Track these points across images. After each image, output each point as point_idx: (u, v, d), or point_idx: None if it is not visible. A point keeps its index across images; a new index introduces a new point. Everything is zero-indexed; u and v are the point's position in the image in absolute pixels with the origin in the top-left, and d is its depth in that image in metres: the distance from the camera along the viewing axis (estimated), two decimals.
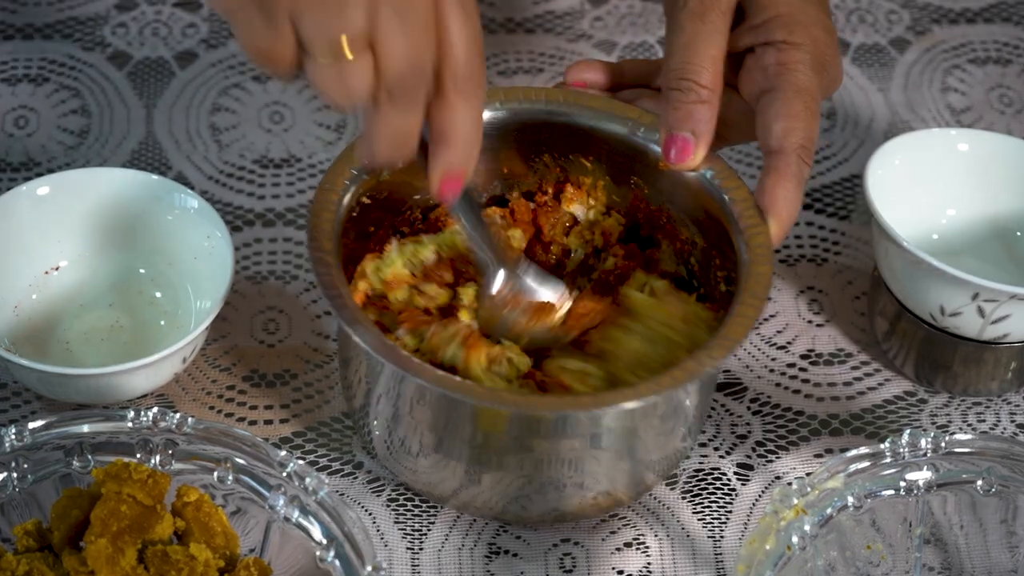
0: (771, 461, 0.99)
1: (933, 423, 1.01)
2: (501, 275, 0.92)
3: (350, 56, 0.77)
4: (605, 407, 0.85)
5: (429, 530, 0.94)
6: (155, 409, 0.87)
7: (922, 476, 0.88)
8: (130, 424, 0.87)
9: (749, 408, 1.01)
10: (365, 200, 0.93)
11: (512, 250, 0.96)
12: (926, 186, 1.05)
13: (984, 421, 1.01)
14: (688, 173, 0.94)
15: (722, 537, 0.95)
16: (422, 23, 0.78)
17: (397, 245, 0.95)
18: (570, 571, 0.93)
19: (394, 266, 0.94)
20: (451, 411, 0.87)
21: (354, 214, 0.92)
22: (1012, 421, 1.01)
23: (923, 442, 0.88)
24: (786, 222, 0.91)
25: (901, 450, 0.88)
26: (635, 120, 0.96)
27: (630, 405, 0.84)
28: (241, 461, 0.87)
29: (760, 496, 0.97)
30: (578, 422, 0.87)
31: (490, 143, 0.94)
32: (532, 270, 0.93)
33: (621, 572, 0.93)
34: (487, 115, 0.94)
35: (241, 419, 0.99)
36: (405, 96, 0.79)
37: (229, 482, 0.87)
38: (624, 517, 0.95)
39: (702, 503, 0.96)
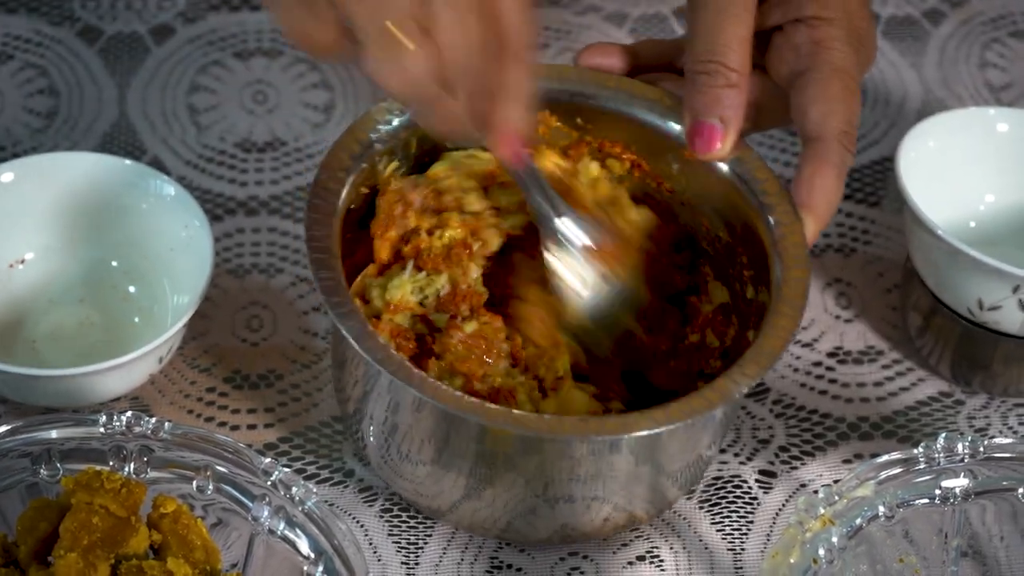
0: (796, 468, 0.99)
1: (971, 426, 1.01)
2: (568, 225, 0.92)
3: (410, 45, 0.79)
4: (630, 433, 0.84)
5: (426, 543, 0.94)
6: (129, 413, 0.87)
7: (959, 483, 0.88)
8: (102, 429, 0.87)
9: (772, 411, 1.01)
10: (363, 189, 0.93)
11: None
12: (963, 170, 1.05)
13: None
14: (715, 164, 0.94)
15: (743, 550, 0.95)
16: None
17: (411, 271, 0.94)
18: None
19: (402, 289, 0.93)
20: (454, 422, 0.87)
21: (352, 206, 0.92)
22: None
23: (960, 447, 0.88)
24: (824, 219, 0.91)
25: (936, 455, 0.88)
26: (656, 101, 0.95)
27: (657, 431, 0.84)
28: (222, 469, 0.87)
29: (784, 505, 0.97)
30: (596, 450, 0.86)
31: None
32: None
33: None
34: None
35: (222, 424, 0.99)
36: (468, 80, 0.81)
37: (209, 492, 0.87)
38: (637, 528, 0.95)
39: (721, 513, 0.96)
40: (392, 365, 0.84)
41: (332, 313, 0.85)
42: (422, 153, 0.95)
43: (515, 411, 0.85)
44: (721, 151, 0.92)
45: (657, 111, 0.95)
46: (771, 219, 0.91)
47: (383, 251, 0.94)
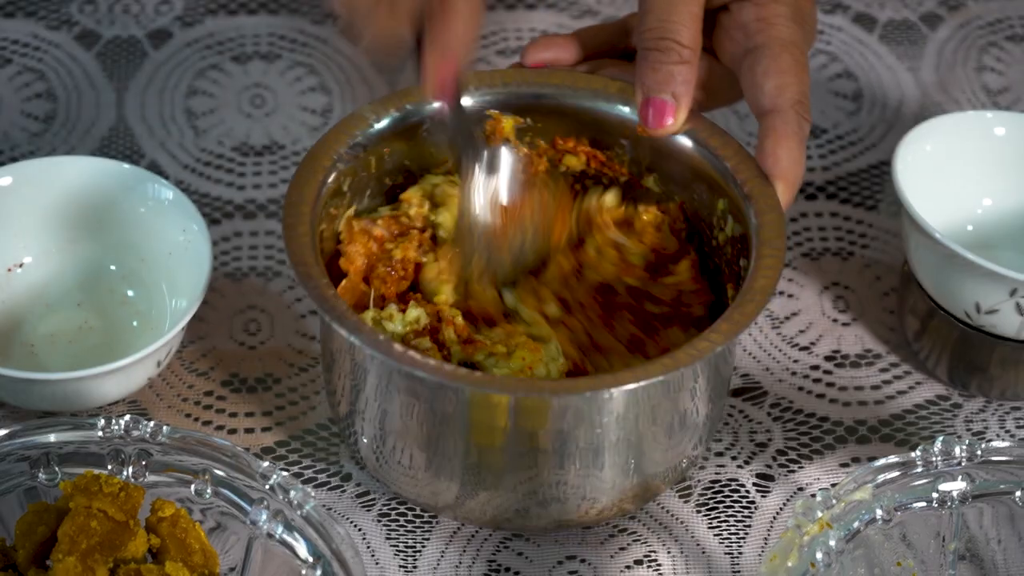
0: (793, 471, 0.99)
1: (968, 429, 1.02)
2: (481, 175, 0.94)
3: None
4: (608, 388, 0.85)
5: (424, 546, 0.95)
6: (127, 417, 0.87)
7: (956, 487, 0.88)
8: (100, 433, 0.87)
9: (769, 414, 1.02)
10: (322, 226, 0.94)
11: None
12: (960, 173, 1.05)
13: (1023, 428, 1.02)
14: (669, 138, 0.95)
15: (740, 553, 0.95)
16: None
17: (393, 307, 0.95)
18: None
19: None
20: (445, 411, 0.87)
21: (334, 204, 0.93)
22: None
23: (957, 450, 0.88)
24: (793, 184, 0.92)
25: (934, 459, 0.88)
26: (600, 89, 0.96)
27: (633, 385, 0.85)
28: (220, 473, 0.87)
29: (781, 509, 0.97)
30: (579, 412, 0.87)
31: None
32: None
33: None
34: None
35: (220, 427, 0.99)
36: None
37: (207, 495, 0.87)
38: (634, 532, 0.95)
39: (718, 517, 0.96)
40: (373, 341, 0.85)
41: (311, 293, 0.86)
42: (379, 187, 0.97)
43: (498, 375, 0.86)
44: (673, 126, 0.94)
45: (603, 99, 0.96)
46: (736, 176, 0.93)
47: (354, 275, 0.94)
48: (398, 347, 0.85)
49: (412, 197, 0.96)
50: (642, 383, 0.85)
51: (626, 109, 0.96)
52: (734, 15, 0.96)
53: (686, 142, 0.95)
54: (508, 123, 0.97)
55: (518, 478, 0.89)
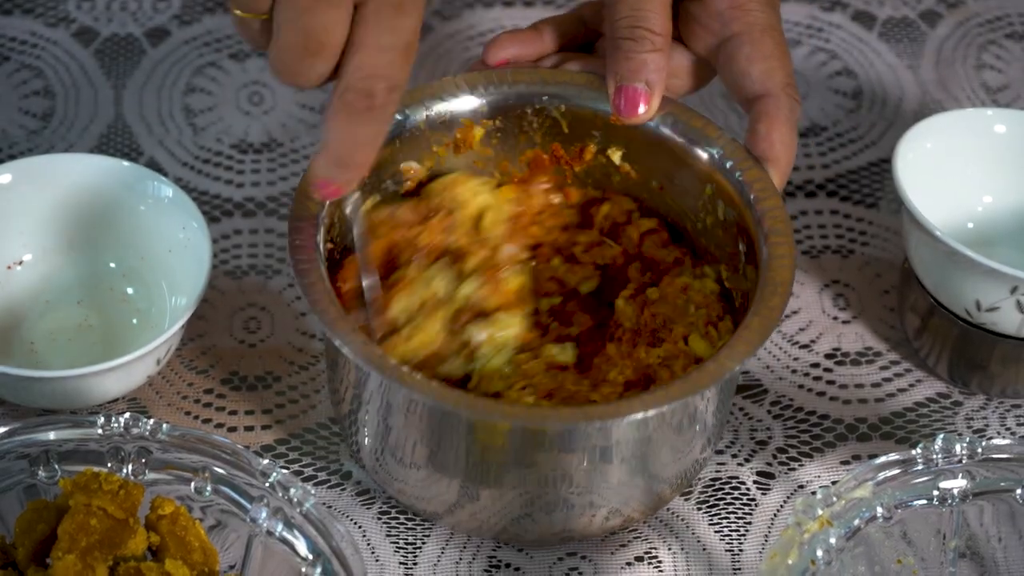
0: (793, 469, 0.99)
1: (969, 427, 1.02)
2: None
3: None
4: (617, 418, 0.84)
5: (424, 544, 0.95)
6: (127, 415, 0.87)
7: (957, 484, 0.89)
8: (100, 431, 0.87)
9: (770, 412, 1.02)
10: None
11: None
12: (960, 171, 1.05)
13: None
14: (647, 125, 0.95)
15: (741, 551, 0.95)
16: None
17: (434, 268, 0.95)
18: None
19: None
20: (445, 421, 0.87)
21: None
22: None
23: (958, 448, 0.89)
24: (786, 168, 0.93)
25: (934, 456, 0.89)
26: (569, 83, 0.96)
27: (642, 415, 0.84)
28: (220, 471, 0.87)
29: (782, 506, 0.97)
30: (587, 434, 0.87)
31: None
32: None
33: None
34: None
35: (220, 425, 1.00)
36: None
37: (207, 493, 0.87)
38: (635, 529, 0.96)
39: (719, 514, 0.97)
40: (378, 362, 0.84)
41: (315, 312, 0.86)
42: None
43: (504, 403, 0.85)
44: (646, 114, 0.95)
45: (572, 92, 0.96)
46: (724, 159, 0.93)
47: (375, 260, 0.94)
48: (405, 371, 0.85)
49: (433, 187, 0.96)
50: (657, 411, 0.84)
51: (596, 100, 0.96)
52: (706, 4, 0.96)
53: (663, 129, 0.95)
54: (478, 132, 0.96)
55: (519, 493, 0.89)
